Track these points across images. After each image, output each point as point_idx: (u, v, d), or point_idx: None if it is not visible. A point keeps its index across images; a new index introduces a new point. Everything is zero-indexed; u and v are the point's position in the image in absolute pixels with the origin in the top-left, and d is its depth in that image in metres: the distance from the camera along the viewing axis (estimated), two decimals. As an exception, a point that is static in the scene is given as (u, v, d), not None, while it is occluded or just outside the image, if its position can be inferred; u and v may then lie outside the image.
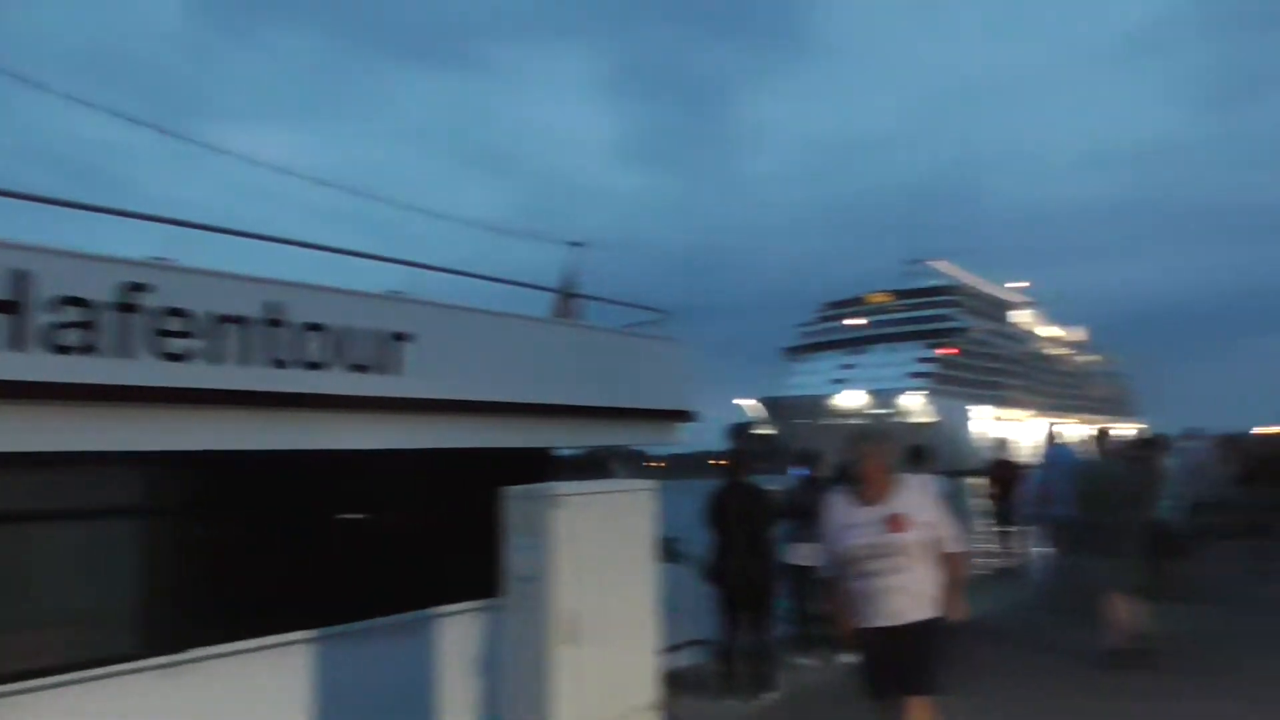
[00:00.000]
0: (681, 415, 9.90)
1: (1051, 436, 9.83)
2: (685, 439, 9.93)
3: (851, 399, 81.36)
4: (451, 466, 7.05)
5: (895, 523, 4.23)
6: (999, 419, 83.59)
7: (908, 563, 4.22)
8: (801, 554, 7.25)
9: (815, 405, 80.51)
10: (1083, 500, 7.65)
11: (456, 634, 6.56)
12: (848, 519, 4.39)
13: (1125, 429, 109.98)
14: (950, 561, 4.35)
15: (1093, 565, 7.38)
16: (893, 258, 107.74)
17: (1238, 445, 13.96)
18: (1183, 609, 9.23)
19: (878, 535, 4.24)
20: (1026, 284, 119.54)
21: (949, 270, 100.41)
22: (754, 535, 6.24)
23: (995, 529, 13.11)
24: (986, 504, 13.41)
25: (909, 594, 4.23)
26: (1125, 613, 7.15)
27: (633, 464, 9.68)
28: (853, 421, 77.11)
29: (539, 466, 7.54)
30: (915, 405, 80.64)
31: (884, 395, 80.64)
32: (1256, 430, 21.63)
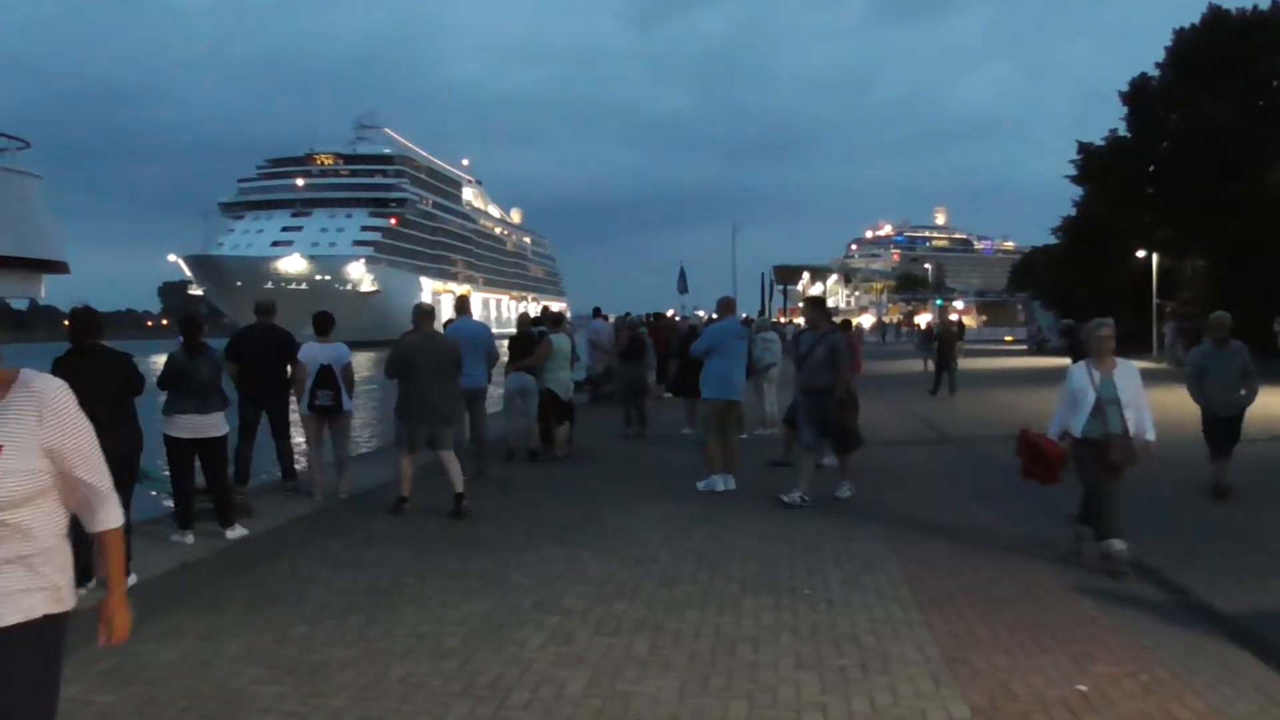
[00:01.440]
0: (45, 265, 8.33)
1: (458, 307, 10.08)
2: (43, 290, 8.42)
3: (294, 263, 77.95)
4: None
5: None
6: (441, 291, 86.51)
7: None
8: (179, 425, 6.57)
9: (254, 268, 75.70)
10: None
11: None
12: None
13: (553, 305, 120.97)
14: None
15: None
16: (338, 120, 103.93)
17: (627, 325, 15.98)
18: (562, 466, 10.36)
19: None
20: (467, 162, 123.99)
21: (396, 139, 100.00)
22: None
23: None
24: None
25: None
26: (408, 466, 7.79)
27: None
28: (294, 287, 74.17)
29: None
30: (359, 273, 80.00)
31: (327, 261, 78.61)
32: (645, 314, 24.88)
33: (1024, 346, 50.83)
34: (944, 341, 22.49)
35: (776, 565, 6.10)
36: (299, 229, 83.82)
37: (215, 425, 6.75)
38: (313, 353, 8.33)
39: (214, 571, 6.04)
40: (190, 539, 6.63)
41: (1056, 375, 22.62)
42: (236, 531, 6.83)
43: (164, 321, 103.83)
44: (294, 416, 8.73)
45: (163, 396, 6.74)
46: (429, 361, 7.73)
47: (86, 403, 5.06)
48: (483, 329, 9.79)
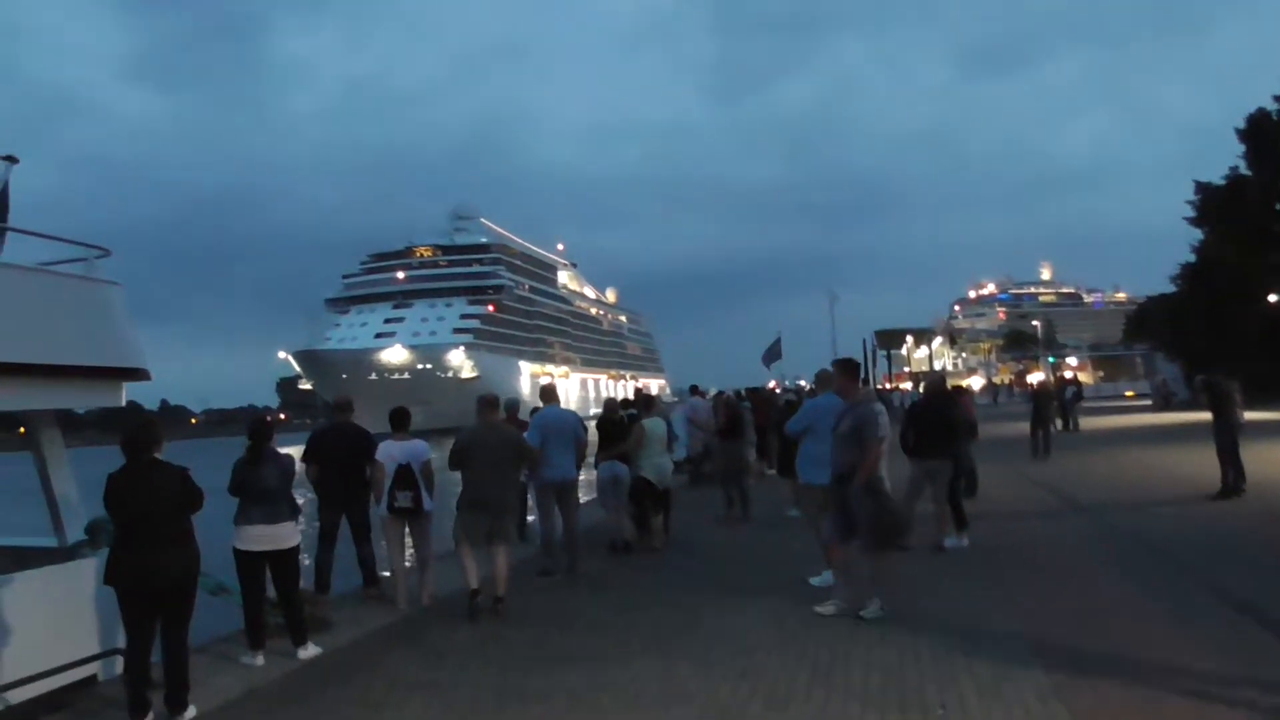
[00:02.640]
0: (126, 373, 8.19)
1: (544, 394, 9.61)
2: (124, 397, 8.28)
3: (396, 354, 79.95)
4: None
5: None
6: (539, 374, 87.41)
7: None
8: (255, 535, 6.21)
9: (358, 360, 77.91)
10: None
11: None
12: None
13: (653, 383, 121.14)
14: None
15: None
16: (434, 212, 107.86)
17: (724, 403, 15.20)
18: (660, 558, 9.68)
19: None
20: (562, 246, 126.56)
21: (491, 228, 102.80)
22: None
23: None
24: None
25: None
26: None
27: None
28: (397, 377, 75.95)
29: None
30: (459, 360, 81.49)
31: (428, 350, 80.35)
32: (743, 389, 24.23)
33: (1148, 401, 48.03)
34: (1039, 400, 21.40)
35: (902, 675, 5.31)
36: (401, 320, 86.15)
37: (285, 536, 6.36)
38: (390, 451, 7.94)
39: (280, 699, 5.56)
40: (260, 660, 6.20)
41: (1189, 432, 21.32)
42: (309, 650, 6.37)
43: (282, 416, 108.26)
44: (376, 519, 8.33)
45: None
46: (487, 453, 7.51)
47: (143, 520, 4.72)
48: (571, 416, 9.30)
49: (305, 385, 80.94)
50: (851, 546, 6.93)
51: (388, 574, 8.31)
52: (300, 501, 6.67)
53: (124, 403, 8.46)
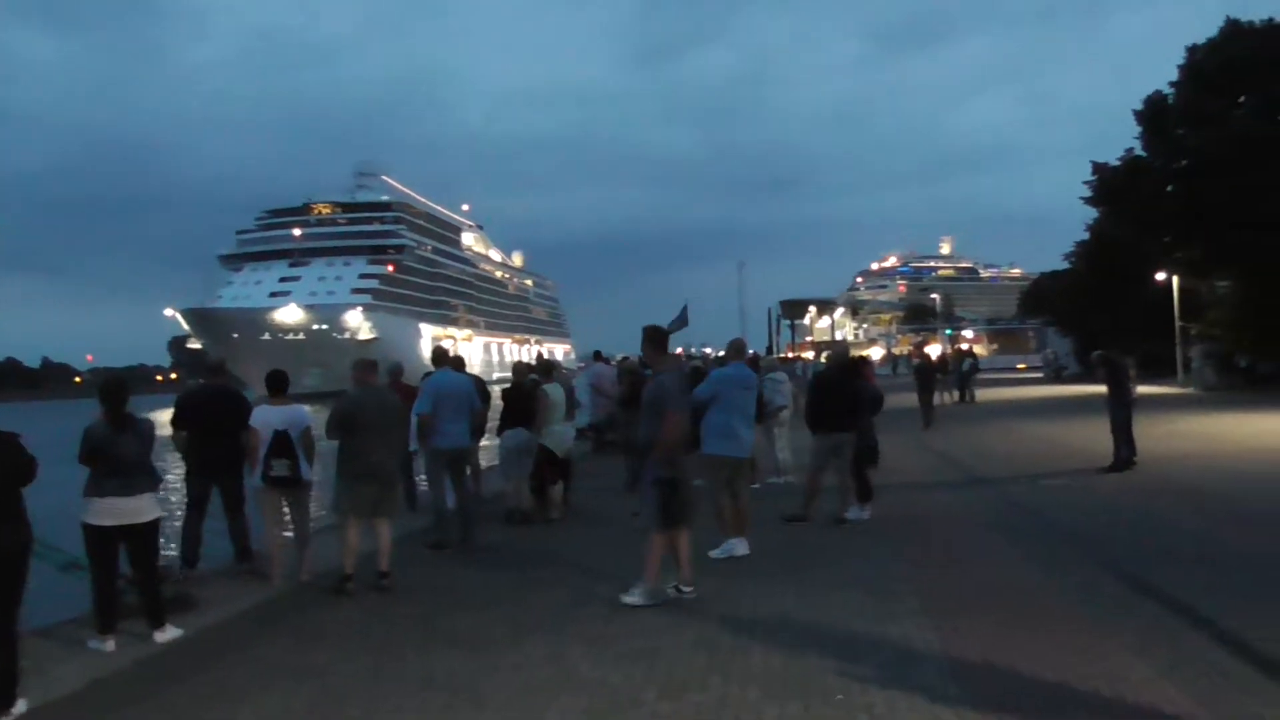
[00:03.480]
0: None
1: (435, 357, 9.09)
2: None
3: (291, 314, 77.26)
4: None
5: None
6: (441, 337, 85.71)
7: None
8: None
9: (251, 319, 75.07)
10: None
11: None
12: None
13: (558, 349, 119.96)
14: None
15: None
16: (340, 169, 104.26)
17: (628, 370, 14.85)
18: (558, 530, 9.34)
19: None
20: (467, 207, 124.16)
21: (395, 186, 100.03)
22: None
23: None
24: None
25: None
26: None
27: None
28: (292, 338, 73.53)
29: None
30: (357, 321, 79.28)
31: (325, 310, 77.91)
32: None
33: (1039, 374, 49.73)
34: (923, 372, 22.14)
35: (804, 658, 5.08)
36: (297, 279, 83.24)
37: (143, 509, 5.77)
38: (266, 416, 7.35)
39: (130, 688, 5.02)
40: (111, 645, 5.62)
41: (1082, 404, 22.03)
42: (168, 633, 5.82)
43: (173, 376, 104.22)
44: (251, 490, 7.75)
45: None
46: (371, 420, 7.01)
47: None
48: (466, 382, 8.83)
49: (195, 345, 77.63)
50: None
51: (262, 549, 7.74)
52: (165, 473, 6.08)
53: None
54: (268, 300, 79.66)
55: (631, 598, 6.30)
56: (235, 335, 72.48)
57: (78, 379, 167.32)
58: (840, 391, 9.24)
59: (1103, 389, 13.27)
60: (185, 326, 78.20)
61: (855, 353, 15.87)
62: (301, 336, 74.37)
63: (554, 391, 10.10)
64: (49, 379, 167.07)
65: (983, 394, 30.49)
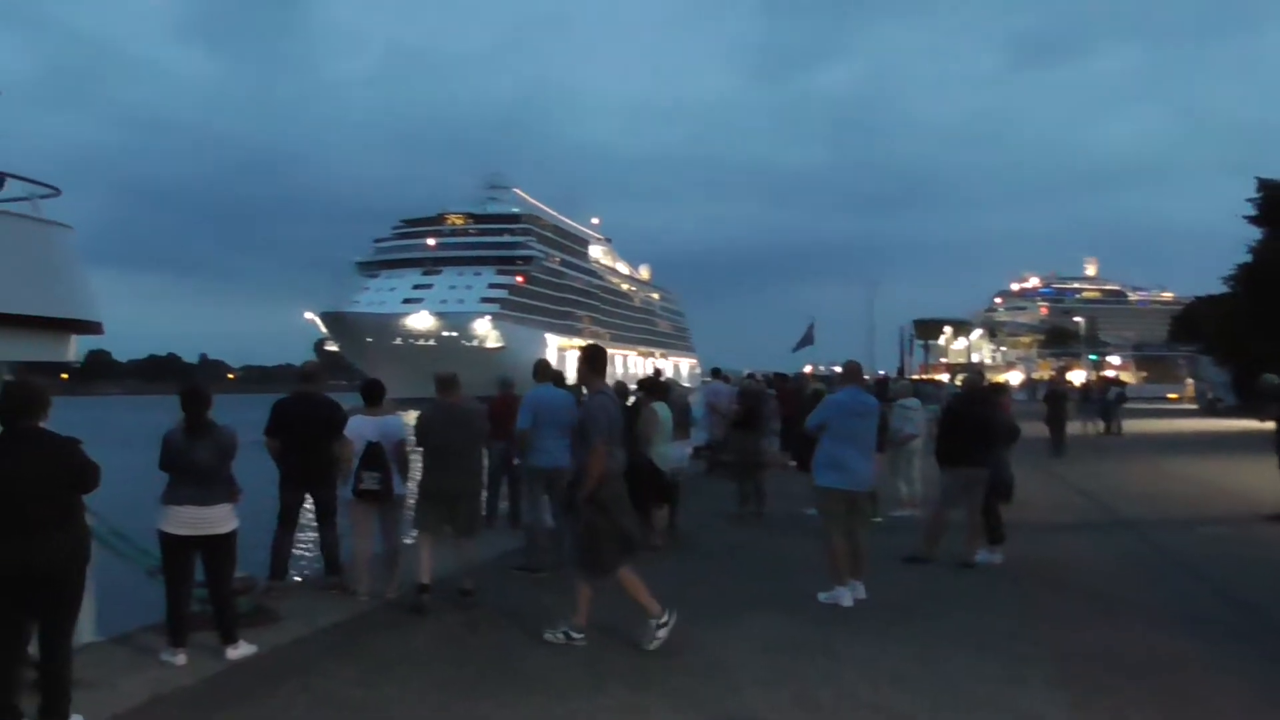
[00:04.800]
0: (75, 324, 7.48)
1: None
2: (73, 350, 7.58)
3: (422, 320, 79.47)
4: None
5: None
6: (566, 347, 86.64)
7: None
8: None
9: (384, 325, 77.58)
10: None
11: None
12: None
13: (682, 362, 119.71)
14: None
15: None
16: (473, 180, 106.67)
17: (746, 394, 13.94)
18: (658, 559, 8.82)
19: None
20: (597, 220, 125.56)
21: (525, 199, 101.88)
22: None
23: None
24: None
25: None
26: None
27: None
28: (422, 343, 75.55)
29: None
30: (485, 330, 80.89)
31: (454, 318, 79.80)
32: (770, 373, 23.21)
33: (1192, 406, 46.38)
34: (1055, 398, 20.81)
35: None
36: (429, 287, 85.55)
37: (219, 520, 5.56)
38: (359, 427, 7.12)
39: (185, 710, 4.77)
40: (181, 659, 5.41)
41: (1243, 441, 20.10)
42: (240, 650, 5.58)
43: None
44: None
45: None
46: (447, 436, 6.83)
47: (25, 499, 3.91)
48: (566, 397, 8.43)
49: (332, 347, 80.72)
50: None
51: (350, 563, 7.51)
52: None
53: (71, 356, 7.75)
54: (401, 306, 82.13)
55: (552, 634, 5.91)
56: (369, 340, 75.00)
57: (230, 375, 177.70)
58: (972, 422, 8.42)
59: (1270, 425, 11.85)
60: (322, 329, 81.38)
61: (992, 377, 14.82)
62: (431, 343, 76.31)
63: (662, 410, 9.60)
64: (205, 374, 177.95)
65: (1129, 425, 28.46)
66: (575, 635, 5.90)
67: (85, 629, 6.44)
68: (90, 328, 7.56)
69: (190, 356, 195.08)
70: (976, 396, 8.99)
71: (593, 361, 6.32)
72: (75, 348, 7.61)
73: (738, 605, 6.94)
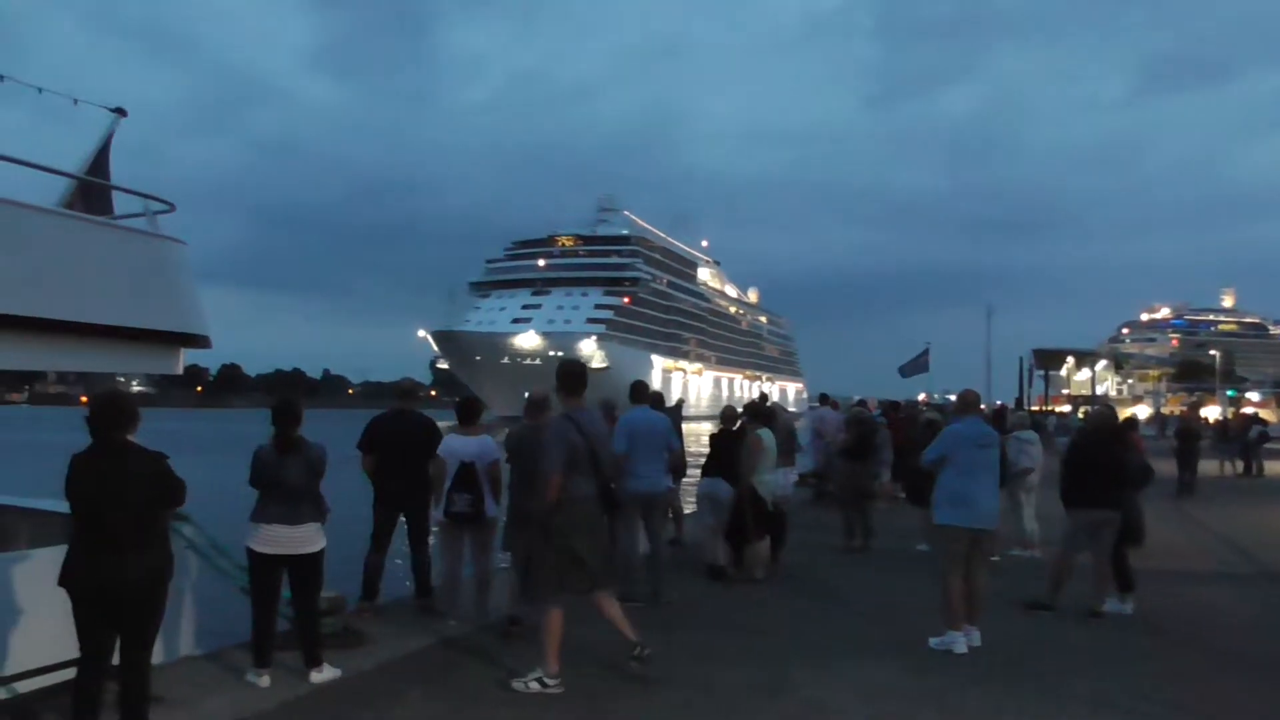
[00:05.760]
0: (186, 338, 7.60)
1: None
2: (181, 364, 7.72)
3: (529, 339, 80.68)
4: None
5: None
6: (672, 369, 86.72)
7: None
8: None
9: (492, 343, 79.12)
10: None
11: None
12: None
13: (790, 386, 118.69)
14: None
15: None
16: (585, 203, 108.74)
17: (857, 421, 13.28)
18: (758, 591, 8.43)
19: None
20: (706, 243, 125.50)
21: (634, 221, 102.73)
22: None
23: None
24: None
25: None
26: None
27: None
28: (528, 363, 76.65)
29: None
30: (590, 350, 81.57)
31: (561, 338, 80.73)
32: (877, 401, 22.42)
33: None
34: (1186, 435, 19.41)
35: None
36: (538, 307, 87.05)
37: (306, 539, 5.47)
38: (453, 446, 6.99)
39: (267, 736, 4.67)
40: (266, 681, 5.34)
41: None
42: (324, 674, 5.47)
43: (433, 393, 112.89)
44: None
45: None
46: (539, 458, 6.40)
47: (104, 515, 3.87)
48: (661, 421, 8.16)
49: (443, 364, 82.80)
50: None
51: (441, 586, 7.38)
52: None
53: (180, 370, 7.89)
54: (509, 326, 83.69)
55: (521, 683, 5.40)
56: (478, 358, 76.62)
57: (350, 390, 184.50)
58: (1102, 461, 7.77)
59: None
60: (434, 348, 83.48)
61: (1120, 412, 13.88)
62: (537, 362, 77.35)
63: (767, 436, 9.24)
64: (327, 389, 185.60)
65: (1272, 466, 26.48)
66: (550, 681, 5.41)
67: (182, 642, 6.50)
68: (198, 341, 7.66)
69: (314, 372, 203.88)
70: (1106, 433, 8.31)
71: (563, 380, 5.86)
72: (183, 360, 7.72)
73: (841, 646, 6.52)
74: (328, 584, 5.94)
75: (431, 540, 7.36)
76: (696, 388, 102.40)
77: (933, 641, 6.50)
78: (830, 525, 11.65)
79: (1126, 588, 7.91)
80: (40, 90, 8.09)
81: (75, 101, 8.18)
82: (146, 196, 7.37)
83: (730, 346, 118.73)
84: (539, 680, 5.38)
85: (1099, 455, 7.81)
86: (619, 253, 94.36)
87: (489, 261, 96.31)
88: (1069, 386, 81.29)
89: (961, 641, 6.43)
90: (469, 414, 7.30)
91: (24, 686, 5.26)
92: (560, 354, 79.22)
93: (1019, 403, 39.21)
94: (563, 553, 5.43)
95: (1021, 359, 48.30)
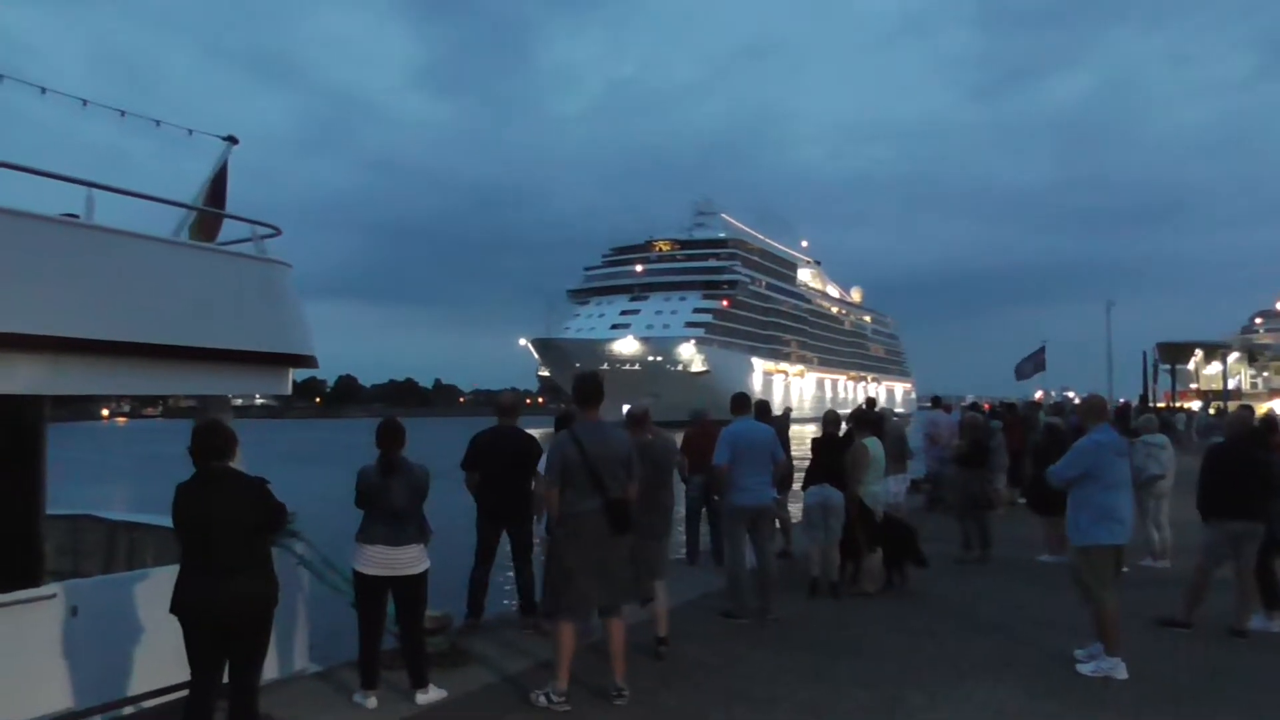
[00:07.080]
0: (294, 359, 7.75)
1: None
2: (290, 384, 7.88)
3: (628, 345, 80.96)
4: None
5: None
6: (772, 371, 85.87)
7: None
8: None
9: (592, 350, 79.71)
10: None
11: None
12: None
13: (897, 387, 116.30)
14: None
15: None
16: (682, 208, 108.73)
17: (969, 421, 12.67)
18: (870, 606, 8.11)
19: None
20: (806, 243, 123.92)
21: (731, 224, 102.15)
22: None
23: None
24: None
25: None
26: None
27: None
28: (628, 368, 76.96)
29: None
30: (690, 354, 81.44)
31: (660, 343, 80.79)
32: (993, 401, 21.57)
33: None
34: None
35: None
36: (636, 312, 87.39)
37: (409, 561, 5.46)
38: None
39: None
40: (373, 702, 5.34)
41: None
42: (430, 695, 5.45)
43: (540, 400, 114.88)
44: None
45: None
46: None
47: (209, 541, 3.91)
48: (765, 432, 7.93)
49: (544, 372, 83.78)
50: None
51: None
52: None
53: (289, 390, 8.04)
54: (608, 332, 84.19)
55: (538, 696, 5.36)
56: (577, 365, 77.25)
57: (461, 399, 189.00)
58: (1243, 467, 7.20)
59: None
60: (535, 355, 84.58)
61: (1256, 408, 12.88)
62: (637, 367, 77.65)
63: (873, 445, 8.92)
64: (439, 397, 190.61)
65: None
66: (556, 699, 5.30)
67: (296, 658, 6.60)
68: (306, 361, 7.80)
69: (426, 381, 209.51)
70: (1247, 436, 7.71)
71: (579, 392, 5.77)
72: (291, 380, 7.88)
73: (966, 667, 6.19)
74: (434, 601, 5.93)
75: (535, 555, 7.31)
76: (799, 390, 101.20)
77: (1086, 668, 6.06)
78: (945, 534, 11.19)
79: (1274, 604, 7.33)
80: (158, 123, 8.38)
81: (190, 132, 8.43)
82: (253, 222, 7.54)
83: (833, 347, 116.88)
84: (546, 695, 5.34)
85: (1238, 460, 7.25)
86: (716, 256, 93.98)
87: (587, 269, 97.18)
88: (1198, 381, 77.23)
89: (1122, 667, 6.01)
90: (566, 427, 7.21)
91: (150, 704, 5.39)
92: (659, 358, 79.46)
93: (1144, 400, 37.21)
94: (555, 569, 5.42)
95: (1145, 353, 45.90)
